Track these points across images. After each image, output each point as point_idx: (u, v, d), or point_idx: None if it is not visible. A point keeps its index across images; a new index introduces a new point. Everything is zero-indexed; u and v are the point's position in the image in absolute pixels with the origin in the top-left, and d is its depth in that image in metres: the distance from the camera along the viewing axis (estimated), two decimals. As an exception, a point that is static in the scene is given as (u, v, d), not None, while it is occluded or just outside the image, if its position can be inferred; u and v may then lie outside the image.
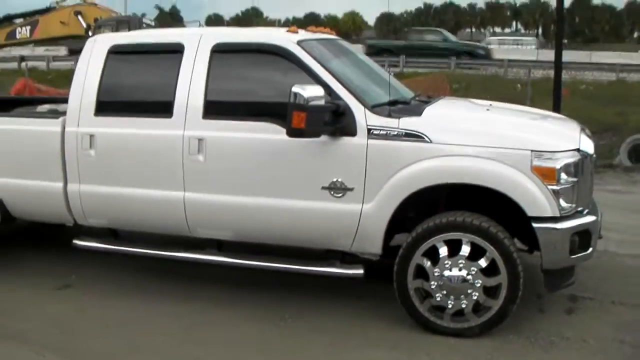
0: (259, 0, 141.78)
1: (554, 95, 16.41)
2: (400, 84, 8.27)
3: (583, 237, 6.24)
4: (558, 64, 16.48)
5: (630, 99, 24.27)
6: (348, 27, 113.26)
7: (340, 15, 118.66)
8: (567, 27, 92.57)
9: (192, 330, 6.56)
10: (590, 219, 6.36)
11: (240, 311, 6.98)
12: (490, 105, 7.76)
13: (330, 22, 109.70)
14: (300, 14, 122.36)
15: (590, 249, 6.37)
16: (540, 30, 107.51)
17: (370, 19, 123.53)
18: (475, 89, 25.16)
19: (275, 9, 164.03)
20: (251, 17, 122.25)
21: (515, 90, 18.92)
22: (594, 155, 6.72)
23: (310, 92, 6.04)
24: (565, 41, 35.97)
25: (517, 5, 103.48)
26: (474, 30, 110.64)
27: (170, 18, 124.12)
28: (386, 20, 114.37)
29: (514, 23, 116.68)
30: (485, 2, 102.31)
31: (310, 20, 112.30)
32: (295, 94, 6.02)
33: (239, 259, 7.11)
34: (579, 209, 6.32)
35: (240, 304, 7.16)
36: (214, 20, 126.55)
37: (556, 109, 15.80)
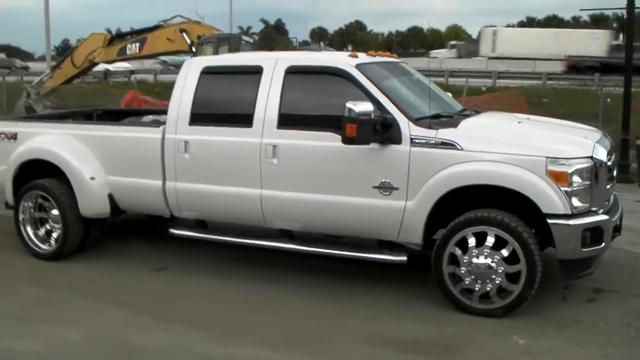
0: (363, 14, 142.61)
1: (623, 109, 17.12)
2: (452, 100, 9.44)
3: (595, 233, 7.13)
4: (628, 77, 17.14)
5: None
6: (451, 40, 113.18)
7: (443, 29, 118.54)
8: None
9: (266, 304, 7.80)
10: (602, 217, 7.28)
11: (305, 290, 8.20)
12: (528, 118, 8.89)
13: (433, 36, 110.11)
14: (403, 27, 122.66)
15: (603, 244, 7.28)
16: None
17: (474, 32, 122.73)
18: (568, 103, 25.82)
19: (379, 22, 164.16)
20: (355, 31, 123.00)
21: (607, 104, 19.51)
22: (609, 163, 7.63)
23: (361, 107, 7.24)
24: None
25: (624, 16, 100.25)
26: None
27: (276, 32, 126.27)
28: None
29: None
30: (589, 16, 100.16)
31: (413, 34, 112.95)
32: (349, 109, 7.23)
33: (307, 247, 8.33)
34: (593, 208, 7.26)
35: (301, 284, 8.40)
36: (318, 33, 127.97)
37: (625, 122, 16.65)
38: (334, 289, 8.20)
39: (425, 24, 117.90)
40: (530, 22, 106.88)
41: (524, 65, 44.71)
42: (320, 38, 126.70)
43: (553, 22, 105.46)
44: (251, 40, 24.83)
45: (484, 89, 30.93)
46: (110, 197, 9.30)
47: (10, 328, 7.21)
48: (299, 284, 8.38)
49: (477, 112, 9.11)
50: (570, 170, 7.05)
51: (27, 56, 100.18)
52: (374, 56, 8.85)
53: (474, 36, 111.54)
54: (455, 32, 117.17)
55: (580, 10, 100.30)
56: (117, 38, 23.67)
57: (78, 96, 27.30)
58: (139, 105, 22.14)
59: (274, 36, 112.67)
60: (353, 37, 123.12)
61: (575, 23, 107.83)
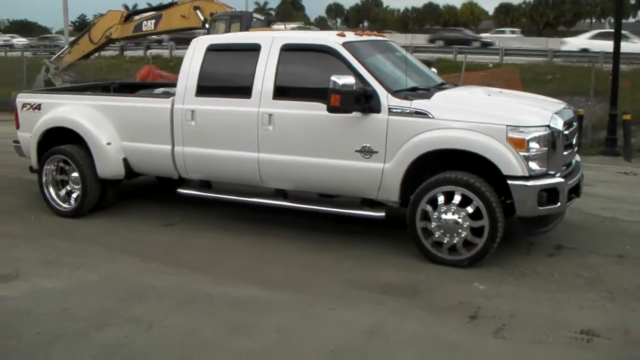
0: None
1: (611, 86, 17.90)
2: (435, 75, 10.41)
3: (550, 194, 7.86)
4: (616, 56, 17.92)
5: None
6: (466, 17, 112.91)
7: (458, 5, 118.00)
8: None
9: (261, 254, 8.74)
10: (558, 180, 8.10)
11: (296, 243, 9.19)
12: (500, 92, 9.85)
13: (449, 12, 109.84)
14: (419, 3, 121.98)
15: (559, 204, 8.14)
16: None
17: (490, 8, 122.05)
18: (569, 80, 26.47)
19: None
20: (370, 7, 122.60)
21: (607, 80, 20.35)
22: (566, 132, 8.49)
23: (344, 80, 8.18)
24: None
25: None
26: (594, 20, 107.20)
27: (292, 7, 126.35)
28: (505, 10, 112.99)
29: (639, 12, 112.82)
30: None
31: (429, 11, 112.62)
32: (334, 82, 8.17)
33: (298, 204, 9.28)
34: (550, 172, 8.11)
35: (293, 238, 9.38)
36: (334, 10, 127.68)
37: (613, 97, 17.46)
38: (321, 242, 9.16)
39: (440, 0, 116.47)
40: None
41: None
42: (336, 14, 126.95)
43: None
44: (262, 18, 25.70)
45: (490, 65, 31.54)
46: (125, 161, 10.34)
47: (38, 271, 8.24)
48: (291, 238, 9.26)
49: (455, 86, 10.08)
50: (527, 137, 7.79)
51: (44, 31, 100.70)
52: (361, 35, 9.79)
53: (490, 12, 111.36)
54: (471, 9, 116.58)
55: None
56: (133, 15, 24.51)
57: (95, 70, 28.07)
58: (154, 79, 22.91)
59: (290, 11, 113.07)
60: (369, 13, 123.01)
61: (592, 0, 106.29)
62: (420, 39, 58.67)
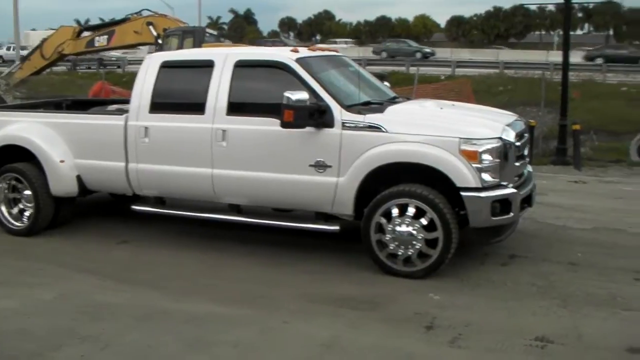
0: (332, 4, 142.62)
1: (561, 97, 18.20)
2: (387, 89, 10.50)
3: (504, 204, 8.00)
4: (565, 67, 18.25)
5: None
6: (419, 30, 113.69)
7: (411, 18, 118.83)
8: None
9: (217, 270, 8.73)
10: (510, 191, 8.19)
11: (246, 258, 9.21)
12: (453, 105, 9.98)
13: (401, 25, 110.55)
14: (371, 17, 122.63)
15: (511, 214, 8.25)
16: (611, 32, 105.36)
17: (442, 21, 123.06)
18: (520, 91, 26.86)
19: (349, 11, 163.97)
20: (323, 20, 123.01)
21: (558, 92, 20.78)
22: (518, 144, 8.62)
23: (297, 95, 8.22)
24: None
25: (591, 7, 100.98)
26: (543, 32, 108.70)
27: (245, 22, 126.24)
28: (457, 23, 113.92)
29: (585, 25, 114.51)
30: (555, 5, 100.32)
31: (381, 24, 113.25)
32: (287, 97, 8.20)
33: (253, 219, 9.30)
34: (503, 183, 8.22)
35: (247, 254, 9.37)
36: (287, 23, 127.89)
37: (563, 108, 17.76)
38: (277, 257, 9.17)
39: (393, 13, 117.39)
40: (497, 12, 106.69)
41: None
42: (289, 28, 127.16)
43: (519, 11, 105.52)
44: (215, 33, 25.72)
45: (442, 77, 31.85)
46: (79, 178, 10.24)
47: (-8, 291, 8.14)
48: (246, 253, 9.28)
49: (407, 99, 10.17)
50: (480, 150, 7.93)
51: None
52: (315, 51, 9.86)
53: (442, 25, 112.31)
54: (423, 22, 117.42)
55: (522, 5, 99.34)
56: (85, 30, 24.40)
57: (47, 86, 27.89)
58: (106, 95, 22.83)
59: (243, 26, 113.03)
60: (321, 26, 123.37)
61: (541, 12, 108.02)
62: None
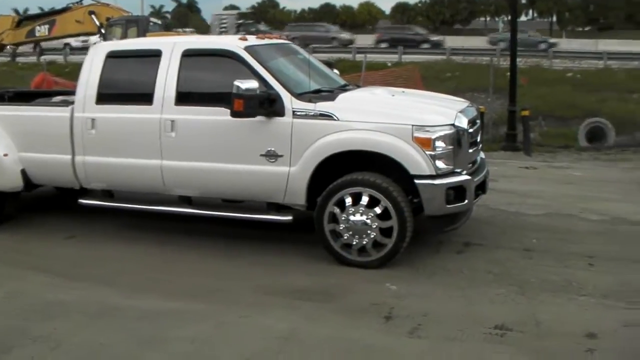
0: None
1: (510, 83, 18.33)
2: (337, 76, 10.45)
3: (458, 192, 8.01)
4: (513, 53, 18.38)
5: (615, 86, 26.09)
6: (364, 17, 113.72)
7: (355, 5, 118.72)
8: (581, 14, 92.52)
9: (169, 264, 8.65)
10: (464, 178, 8.22)
11: (202, 251, 9.12)
12: (403, 91, 9.96)
13: (346, 12, 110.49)
14: (315, 4, 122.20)
15: (466, 201, 8.27)
16: (554, 18, 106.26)
17: (387, 8, 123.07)
18: (468, 77, 27.02)
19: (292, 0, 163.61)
20: (267, 8, 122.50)
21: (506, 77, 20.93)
22: (471, 130, 8.65)
23: (247, 84, 8.13)
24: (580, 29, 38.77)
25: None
26: (488, 19, 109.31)
27: (189, 10, 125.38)
28: (402, 9, 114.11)
29: (530, 11, 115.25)
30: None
31: (326, 11, 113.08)
32: (237, 86, 8.10)
33: (203, 211, 9.21)
34: (457, 170, 8.21)
35: (202, 247, 9.28)
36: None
37: (512, 94, 17.88)
38: (229, 249, 9.10)
39: (337, 1, 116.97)
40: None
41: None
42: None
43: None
44: (159, 22, 25.46)
45: (389, 64, 31.91)
46: (23, 172, 10.02)
47: (-62, 292, 7.93)
48: (198, 246, 9.23)
49: (357, 87, 10.13)
50: (433, 137, 7.93)
51: None
52: (263, 39, 9.76)
53: (387, 12, 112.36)
54: (368, 9, 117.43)
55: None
56: (25, 20, 23.97)
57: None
58: (49, 86, 22.48)
59: (186, 15, 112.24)
60: (265, 14, 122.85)
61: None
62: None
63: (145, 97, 8.96)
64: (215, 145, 8.63)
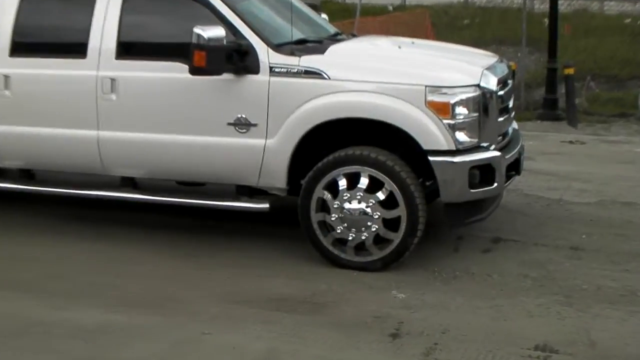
0: None
1: (549, 31, 18.27)
2: (326, 23, 10.47)
3: (484, 172, 8.06)
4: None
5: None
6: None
7: None
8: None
9: (112, 265, 8.63)
10: (493, 154, 8.28)
11: (154, 249, 9.14)
12: (413, 42, 9.99)
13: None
14: None
15: (495, 185, 8.30)
16: None
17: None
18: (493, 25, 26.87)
19: None
20: None
21: (542, 25, 20.63)
22: (501, 93, 8.67)
23: (211, 32, 8.10)
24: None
25: None
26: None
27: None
28: None
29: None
30: None
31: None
32: (198, 35, 8.07)
33: (154, 196, 9.22)
34: (483, 144, 8.31)
35: (155, 243, 9.31)
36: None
37: (551, 47, 17.85)
38: (188, 246, 9.15)
39: None
40: None
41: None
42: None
43: None
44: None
45: (390, 8, 31.76)
46: None
47: None
48: (147, 242, 9.28)
49: (353, 36, 10.16)
50: (453, 101, 7.92)
51: None
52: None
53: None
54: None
55: None
56: None
57: None
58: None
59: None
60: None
61: None
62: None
63: (76, 48, 8.97)
64: (168, 111, 8.69)
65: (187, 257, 8.75)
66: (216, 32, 8.14)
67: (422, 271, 8.19)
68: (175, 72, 8.52)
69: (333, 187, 8.14)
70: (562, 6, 20.56)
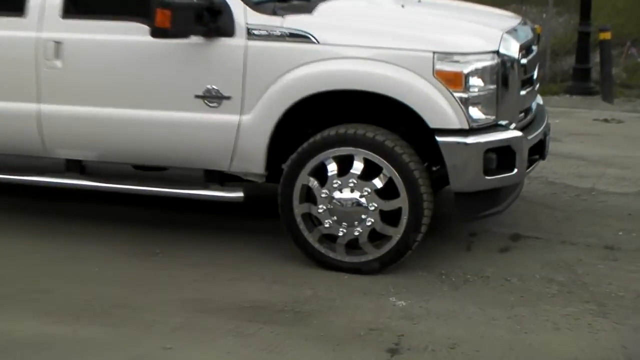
0: None
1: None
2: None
3: (503, 155, 7.97)
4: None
5: None
6: None
7: None
8: None
9: (56, 266, 8.50)
10: (513, 134, 8.19)
11: (106, 246, 9.05)
12: (419, 0, 9.87)
13: None
14: None
15: (516, 170, 8.18)
16: None
17: None
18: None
19: None
20: None
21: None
22: (525, 61, 8.54)
23: (178, -14, 7.95)
24: None
25: None
26: None
27: None
28: None
29: None
30: None
31: None
32: (162, -10, 7.93)
33: (104, 183, 9.09)
34: (501, 122, 8.19)
35: (107, 239, 9.23)
36: None
37: (584, 7, 17.80)
38: (146, 243, 9.05)
39: None
40: None
41: None
42: None
43: None
44: None
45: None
46: None
47: None
48: (96, 238, 9.19)
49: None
50: (466, 70, 7.83)
51: None
52: None
53: None
54: None
55: None
56: None
57: None
58: None
59: None
60: None
61: None
62: None
63: (13, 5, 8.84)
64: (124, 81, 8.57)
65: (146, 256, 8.69)
66: None
67: (427, 274, 8.16)
68: (133, 34, 8.47)
69: (321, 173, 8.06)
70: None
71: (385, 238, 8.01)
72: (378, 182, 7.93)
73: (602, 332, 7.13)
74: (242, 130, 8.36)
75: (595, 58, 17.89)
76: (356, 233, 8.01)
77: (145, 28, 8.22)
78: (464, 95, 7.83)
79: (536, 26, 16.30)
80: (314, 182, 8.10)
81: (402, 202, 7.90)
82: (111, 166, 9.22)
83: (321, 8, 8.57)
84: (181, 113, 8.51)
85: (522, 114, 8.67)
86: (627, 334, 7.10)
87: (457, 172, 7.89)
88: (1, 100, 9.04)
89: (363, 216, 7.95)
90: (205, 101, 8.43)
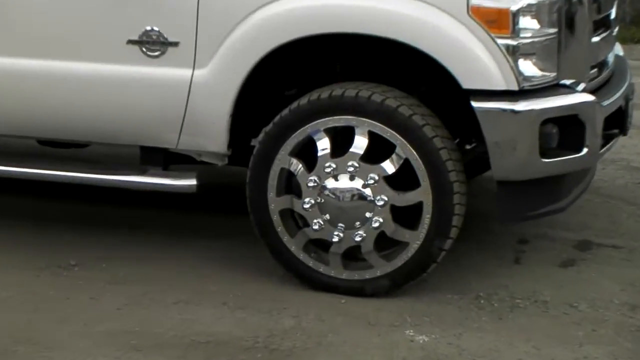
0: None
1: None
2: None
3: (568, 129, 8.06)
4: None
5: None
6: None
7: None
8: None
9: None
10: (582, 98, 8.12)
11: (10, 254, 9.24)
12: None
13: None
14: None
15: (585, 151, 8.15)
16: None
17: None
18: None
19: None
20: None
21: None
22: None
23: None
24: None
25: None
26: None
27: None
28: None
29: None
30: None
31: None
32: None
33: (7, 167, 9.11)
34: (565, 81, 8.17)
35: (14, 245, 9.43)
36: None
37: None
38: (60, 252, 9.20)
39: None
40: None
41: None
42: None
43: None
44: None
45: None
46: None
47: None
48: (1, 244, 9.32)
49: None
50: (515, 7, 7.86)
51: None
52: None
53: None
54: None
55: None
56: None
57: None
58: None
59: None
60: None
61: None
62: None
63: None
64: (33, 21, 8.67)
65: (57, 270, 8.78)
66: None
67: (459, 298, 8.20)
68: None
69: (307, 153, 8.07)
70: None
71: (399, 246, 8.01)
72: (389, 166, 7.92)
73: None
74: (194, 91, 8.34)
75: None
76: (357, 238, 8.02)
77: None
78: (512, 42, 7.77)
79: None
80: (297, 166, 8.13)
81: (423, 194, 7.89)
82: (6, 140, 9.25)
83: None
84: (108, 65, 8.53)
85: (595, 70, 8.65)
86: None
87: (501, 153, 7.78)
88: None
89: (367, 214, 7.95)
90: (143, 48, 8.44)
